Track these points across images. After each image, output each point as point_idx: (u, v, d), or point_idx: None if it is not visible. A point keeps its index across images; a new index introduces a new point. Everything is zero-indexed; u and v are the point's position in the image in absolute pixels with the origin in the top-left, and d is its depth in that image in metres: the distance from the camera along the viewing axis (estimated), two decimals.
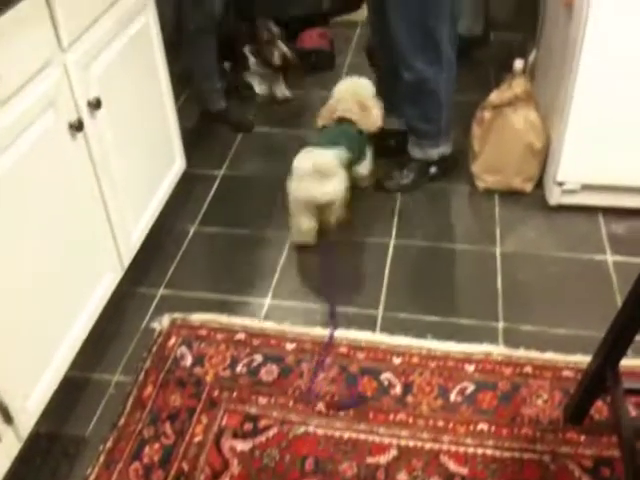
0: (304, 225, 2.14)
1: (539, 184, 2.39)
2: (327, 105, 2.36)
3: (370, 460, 1.60)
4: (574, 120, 2.11)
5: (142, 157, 1.99)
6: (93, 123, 1.67)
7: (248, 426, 1.68)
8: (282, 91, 2.97)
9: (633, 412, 1.68)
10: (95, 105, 1.65)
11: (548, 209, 2.33)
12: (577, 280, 2.07)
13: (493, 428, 1.66)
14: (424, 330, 1.91)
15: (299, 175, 2.09)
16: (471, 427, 1.66)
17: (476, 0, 3.02)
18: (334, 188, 2.09)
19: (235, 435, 1.66)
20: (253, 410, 1.72)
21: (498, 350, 1.85)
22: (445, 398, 1.73)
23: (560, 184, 2.26)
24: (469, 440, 1.64)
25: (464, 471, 1.58)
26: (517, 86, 2.28)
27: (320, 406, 1.72)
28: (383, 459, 1.60)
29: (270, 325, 1.95)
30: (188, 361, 1.85)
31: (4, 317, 1.41)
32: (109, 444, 1.66)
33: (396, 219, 2.32)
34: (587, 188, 2.25)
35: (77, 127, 1.57)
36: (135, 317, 2.00)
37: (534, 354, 1.83)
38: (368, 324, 1.95)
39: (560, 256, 2.16)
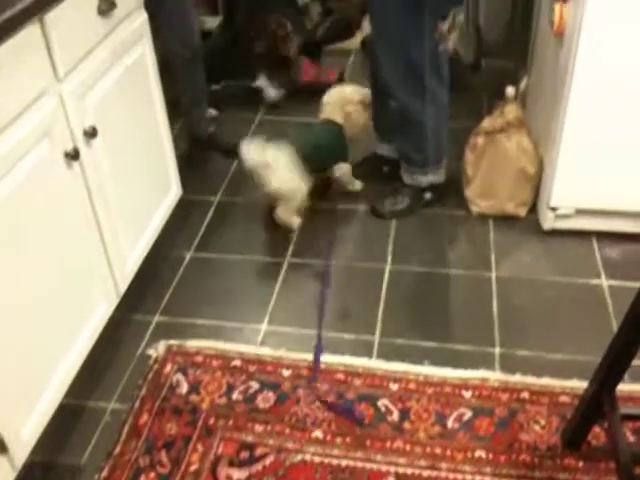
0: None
1: (533, 209, 2.41)
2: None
3: None
4: (566, 146, 2.13)
5: (138, 184, 2.00)
6: (89, 152, 1.68)
7: (244, 454, 1.67)
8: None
9: (631, 438, 1.68)
10: (91, 134, 1.66)
11: (542, 234, 2.34)
12: (572, 305, 2.08)
13: (491, 455, 1.65)
14: (421, 356, 1.91)
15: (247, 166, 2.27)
16: (469, 454, 1.65)
17: (468, 28, 3.07)
18: (277, 181, 2.24)
19: (231, 463, 1.65)
20: (249, 438, 1.71)
21: (495, 376, 1.84)
22: (442, 425, 1.72)
23: (553, 209, 2.27)
24: (467, 467, 1.62)
25: None
26: (509, 112, 2.30)
27: (317, 433, 1.71)
28: None
29: (266, 351, 1.94)
30: (184, 388, 1.84)
31: None
32: (104, 473, 1.64)
33: (391, 244, 2.33)
34: (581, 213, 2.27)
35: (73, 156, 1.58)
36: (131, 344, 1.99)
37: (531, 379, 1.83)
38: (365, 350, 1.94)
39: (555, 280, 2.17)
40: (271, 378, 1.86)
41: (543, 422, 1.72)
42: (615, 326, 1.96)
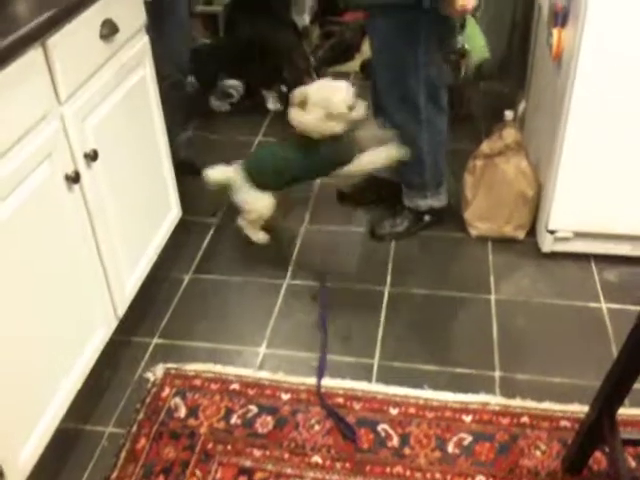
0: None
1: (531, 231, 2.41)
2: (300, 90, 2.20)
3: None
4: (565, 169, 2.14)
5: (138, 206, 2.00)
6: (90, 174, 1.68)
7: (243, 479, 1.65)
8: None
9: (632, 463, 1.67)
10: (92, 157, 1.66)
11: (541, 256, 2.34)
12: (572, 328, 2.08)
13: None
14: (420, 379, 1.90)
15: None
16: None
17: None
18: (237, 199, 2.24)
19: None
20: (248, 463, 1.69)
21: (495, 400, 1.83)
22: (443, 450, 1.71)
23: (552, 232, 2.28)
24: None
25: None
26: (508, 136, 2.32)
27: (316, 458, 1.70)
28: None
29: (265, 375, 1.93)
30: (182, 412, 1.82)
31: None
32: None
33: (390, 266, 2.33)
34: (579, 235, 2.27)
35: (74, 179, 1.58)
36: (129, 367, 1.98)
37: (531, 404, 1.82)
38: (364, 373, 1.93)
39: (555, 303, 2.17)
40: (270, 402, 1.84)
41: (544, 447, 1.71)
42: (615, 349, 1.96)
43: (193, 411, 1.82)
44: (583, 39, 1.94)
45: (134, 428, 1.78)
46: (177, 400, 1.85)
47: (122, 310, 1.92)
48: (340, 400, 1.84)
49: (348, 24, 3.84)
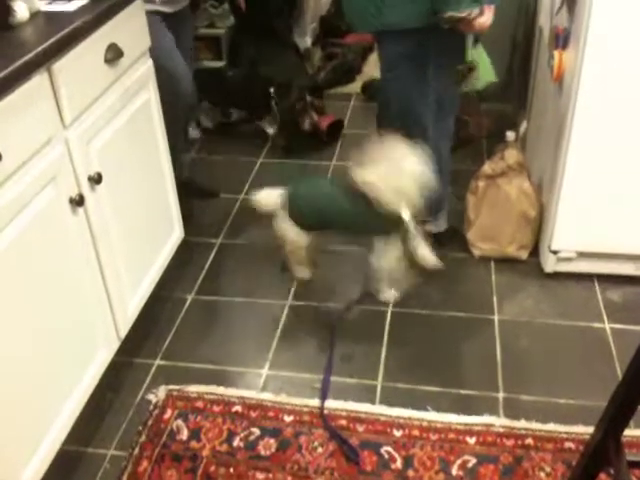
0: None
1: (534, 251, 2.41)
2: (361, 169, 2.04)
3: None
4: (567, 189, 2.15)
5: (141, 228, 2.01)
6: (94, 197, 1.69)
7: None
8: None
9: None
10: (96, 180, 1.67)
11: (544, 276, 2.34)
12: (576, 348, 2.07)
13: None
14: (424, 401, 1.89)
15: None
16: None
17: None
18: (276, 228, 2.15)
19: None
20: None
21: (499, 421, 1.82)
22: (447, 472, 1.70)
23: (555, 252, 2.28)
24: None
25: None
26: (509, 157, 2.33)
27: None
28: None
29: (267, 396, 1.93)
30: (184, 435, 1.82)
31: None
32: None
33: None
34: (582, 256, 2.27)
35: (78, 202, 1.59)
36: (131, 388, 1.98)
37: (535, 425, 1.81)
38: (367, 395, 1.93)
39: (558, 324, 2.16)
40: (272, 424, 1.84)
41: (548, 469, 1.70)
42: (619, 369, 1.95)
43: (195, 433, 1.82)
44: (584, 61, 1.96)
45: (136, 450, 1.78)
46: (179, 422, 1.85)
47: (124, 331, 1.92)
48: (343, 422, 1.84)
49: (350, 46, 3.88)
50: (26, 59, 1.40)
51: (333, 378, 1.98)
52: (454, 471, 1.70)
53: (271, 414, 1.87)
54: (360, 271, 2.30)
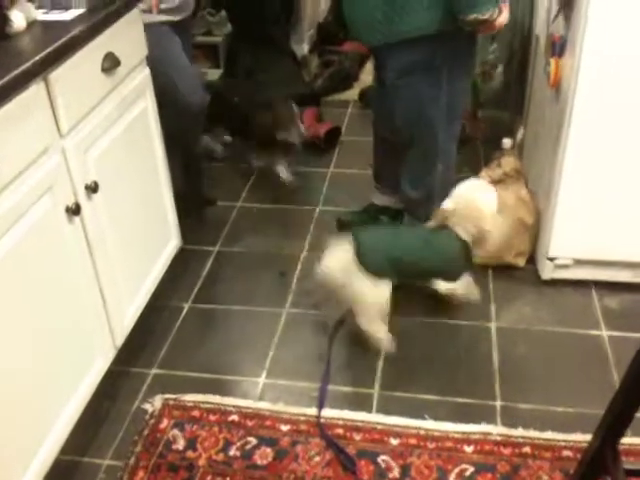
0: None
1: (531, 258, 2.41)
2: (441, 208, 2.13)
3: None
4: (564, 196, 2.15)
5: (138, 237, 2.01)
6: (90, 206, 1.69)
7: None
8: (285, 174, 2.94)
9: None
10: (93, 189, 1.67)
11: (541, 283, 2.34)
12: (573, 356, 2.07)
13: None
14: (421, 409, 1.89)
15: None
16: None
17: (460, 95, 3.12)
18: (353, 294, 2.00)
19: None
20: None
21: (496, 430, 1.82)
22: None
23: (552, 259, 2.28)
24: None
25: None
26: (506, 164, 2.33)
27: None
28: None
29: (264, 405, 1.92)
30: (180, 444, 1.81)
31: None
32: None
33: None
34: (579, 263, 2.27)
35: (74, 211, 1.59)
36: (127, 398, 1.97)
37: (533, 433, 1.81)
38: (364, 404, 1.92)
39: (555, 331, 2.16)
40: (269, 433, 1.83)
41: (546, 477, 1.70)
42: (616, 377, 1.95)
43: (191, 443, 1.81)
44: (581, 68, 1.96)
45: (132, 460, 1.77)
46: (175, 432, 1.84)
47: (121, 340, 1.92)
48: (340, 431, 1.83)
49: (347, 53, 3.89)
50: (23, 68, 1.40)
51: (330, 387, 1.97)
52: None
53: (268, 423, 1.86)
54: None
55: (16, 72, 1.38)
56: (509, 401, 1.92)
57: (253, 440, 1.81)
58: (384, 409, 1.90)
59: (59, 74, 1.54)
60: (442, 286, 2.15)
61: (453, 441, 1.79)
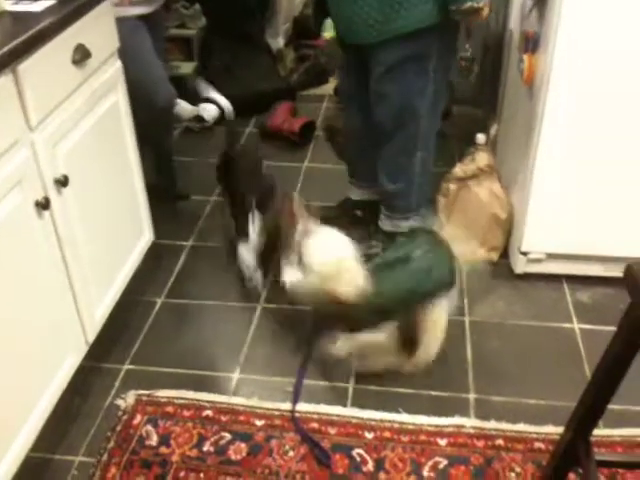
0: None
1: (505, 253, 2.43)
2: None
3: None
4: (536, 192, 2.17)
5: (110, 232, 1.98)
6: (60, 200, 1.67)
7: None
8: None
9: None
10: (62, 183, 1.65)
11: (514, 278, 2.36)
12: (546, 349, 2.09)
13: None
14: (395, 403, 1.89)
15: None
16: None
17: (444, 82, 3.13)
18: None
19: None
20: None
21: (470, 422, 1.83)
22: (418, 474, 1.70)
23: (525, 254, 2.30)
24: None
25: None
26: (480, 160, 2.34)
27: None
28: None
29: (239, 400, 1.91)
30: (154, 440, 1.79)
31: None
32: None
33: None
34: (552, 257, 2.29)
35: (44, 205, 1.57)
36: (99, 394, 1.95)
37: (505, 426, 1.82)
38: (339, 398, 1.92)
39: (528, 325, 2.18)
40: (244, 428, 1.82)
41: (519, 469, 1.71)
42: (588, 370, 1.98)
43: (165, 439, 1.80)
44: (554, 65, 1.98)
45: (104, 457, 1.75)
46: (149, 428, 1.82)
47: (92, 336, 1.89)
48: (315, 425, 1.83)
49: (322, 47, 3.88)
50: None
51: (305, 381, 1.97)
52: (425, 473, 1.70)
53: (242, 418, 1.85)
54: None
55: None
56: (482, 394, 1.93)
57: (227, 435, 1.80)
58: (359, 403, 1.90)
59: (28, 66, 1.51)
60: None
61: (427, 434, 1.80)
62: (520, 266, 2.33)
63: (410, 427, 1.82)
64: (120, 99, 1.99)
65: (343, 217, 2.62)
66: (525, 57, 2.15)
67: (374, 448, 1.76)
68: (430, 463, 1.73)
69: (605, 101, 2.01)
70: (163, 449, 1.77)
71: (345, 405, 1.90)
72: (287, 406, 1.88)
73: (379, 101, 2.21)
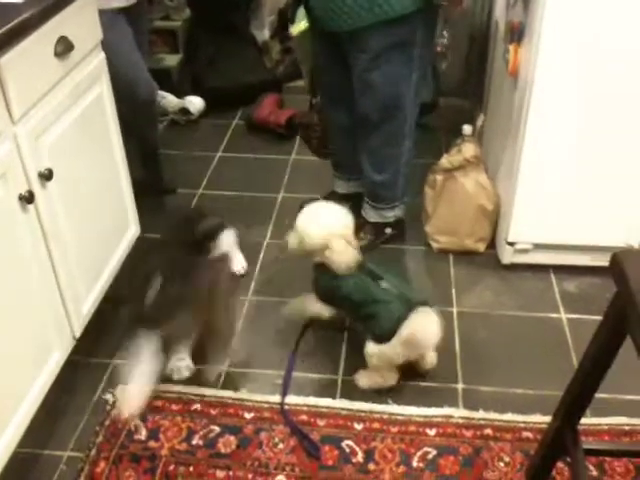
0: None
1: (492, 244, 2.44)
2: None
3: None
4: (522, 183, 2.17)
5: (95, 225, 1.97)
6: (44, 194, 1.65)
7: None
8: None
9: (594, 472, 1.69)
10: (47, 176, 1.63)
11: (502, 268, 2.37)
12: (533, 339, 2.10)
13: None
14: (384, 394, 1.90)
15: None
16: None
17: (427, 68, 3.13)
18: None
19: None
20: None
21: (458, 412, 1.84)
22: (407, 464, 1.71)
23: (512, 244, 2.30)
24: None
25: None
26: (467, 151, 2.34)
27: (280, 477, 1.68)
28: None
29: (227, 394, 1.91)
30: (142, 434, 1.79)
31: None
32: None
33: None
34: (538, 247, 2.30)
35: (28, 199, 1.55)
36: (87, 389, 1.94)
37: (493, 415, 1.83)
38: (328, 390, 1.92)
39: (515, 315, 2.19)
40: (233, 421, 1.82)
41: (507, 459, 1.72)
42: (575, 359, 1.99)
43: (154, 433, 1.79)
44: (539, 55, 1.98)
45: (93, 452, 1.74)
46: (137, 422, 1.82)
47: (79, 330, 1.88)
48: (304, 417, 1.83)
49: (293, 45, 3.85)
50: None
51: (294, 374, 1.97)
52: (415, 463, 1.71)
53: (231, 411, 1.85)
54: None
55: None
56: (470, 384, 1.94)
57: (216, 428, 1.80)
58: (348, 395, 1.90)
59: (10, 58, 1.49)
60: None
61: (416, 425, 1.80)
62: (507, 256, 2.34)
63: (399, 418, 1.82)
64: (104, 91, 1.97)
65: None
66: (510, 47, 2.15)
67: (363, 439, 1.77)
68: (419, 453, 1.73)
69: (591, 91, 2.01)
70: (152, 443, 1.76)
71: (334, 397, 1.90)
72: (276, 398, 1.88)
73: (364, 91, 2.20)
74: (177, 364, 1.93)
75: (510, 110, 2.23)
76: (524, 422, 1.81)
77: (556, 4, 1.90)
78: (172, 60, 3.57)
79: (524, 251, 2.32)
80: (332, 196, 2.63)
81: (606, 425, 1.79)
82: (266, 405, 1.86)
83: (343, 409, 1.85)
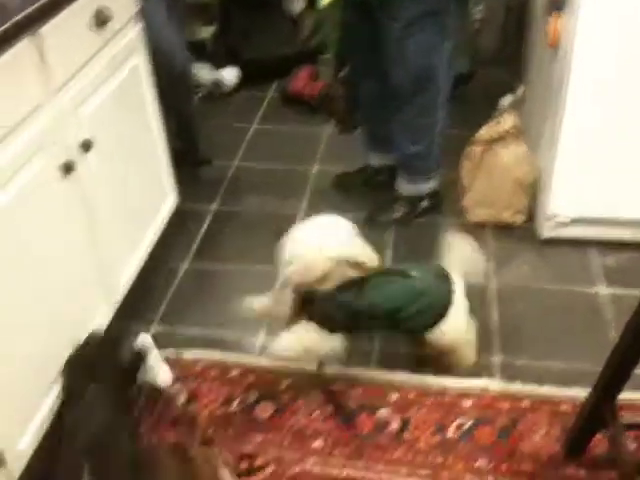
0: None
1: (530, 217, 2.41)
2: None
3: None
4: (563, 155, 2.14)
5: (134, 195, 1.99)
6: (84, 164, 1.67)
7: (243, 465, 1.65)
8: None
9: (632, 446, 1.67)
10: (86, 147, 1.65)
11: (540, 242, 2.34)
12: (571, 313, 2.07)
13: (492, 464, 1.64)
14: (421, 364, 1.89)
15: None
16: (470, 463, 1.64)
17: (462, 38, 3.07)
18: None
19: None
20: (248, 448, 1.69)
21: (495, 384, 1.83)
22: (442, 434, 1.71)
23: (550, 218, 2.27)
24: (468, 477, 1.62)
25: None
26: (506, 122, 2.31)
27: (317, 443, 1.70)
28: None
29: (265, 361, 1.93)
30: (182, 399, 1.82)
31: None
32: None
33: (390, 254, 2.32)
34: (578, 221, 2.27)
35: (68, 169, 1.57)
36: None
37: (531, 388, 1.82)
38: (365, 359, 1.93)
39: (554, 289, 2.16)
40: (270, 388, 1.84)
41: (544, 431, 1.71)
42: (614, 334, 1.96)
43: (193, 398, 1.82)
44: (579, 25, 1.93)
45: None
46: (177, 387, 1.85)
47: (119, 298, 1.91)
48: (341, 386, 1.84)
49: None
50: (12, 23, 1.37)
51: None
52: (450, 433, 1.71)
53: (268, 378, 1.87)
54: None
55: (5, 27, 1.34)
56: (508, 357, 1.93)
57: (254, 395, 1.83)
58: (384, 364, 1.91)
59: (49, 30, 1.50)
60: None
61: (451, 396, 1.80)
62: (546, 230, 2.31)
63: (435, 389, 1.82)
64: (141, 62, 1.99)
65: (365, 183, 2.61)
66: (550, 18, 2.10)
67: (399, 408, 1.78)
68: (455, 424, 1.73)
69: (632, 62, 1.96)
70: (191, 408, 1.79)
71: (370, 366, 1.91)
72: (313, 367, 1.90)
73: (396, 62, 2.18)
74: None
75: (550, 81, 2.18)
76: (562, 395, 1.80)
77: None
78: (206, 32, 3.56)
79: (563, 224, 2.28)
80: (366, 169, 2.62)
81: None
82: (303, 373, 1.88)
83: (379, 379, 1.86)
